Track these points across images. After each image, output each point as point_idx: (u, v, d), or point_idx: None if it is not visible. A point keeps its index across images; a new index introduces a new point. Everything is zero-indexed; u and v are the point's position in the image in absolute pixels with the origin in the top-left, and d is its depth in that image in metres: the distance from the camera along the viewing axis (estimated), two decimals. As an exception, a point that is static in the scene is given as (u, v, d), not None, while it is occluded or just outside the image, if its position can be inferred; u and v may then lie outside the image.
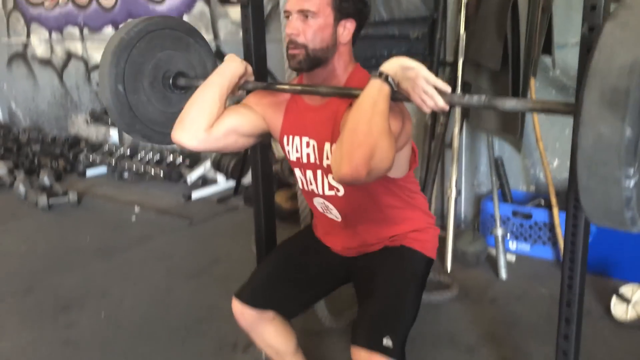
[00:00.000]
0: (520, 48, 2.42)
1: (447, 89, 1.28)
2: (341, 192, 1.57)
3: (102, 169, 4.98)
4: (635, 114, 0.91)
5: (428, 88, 1.26)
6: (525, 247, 2.97)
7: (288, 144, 1.63)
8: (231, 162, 4.19)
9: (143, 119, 1.81)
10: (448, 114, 2.99)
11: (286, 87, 1.61)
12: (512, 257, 2.94)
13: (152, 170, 4.44)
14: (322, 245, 1.80)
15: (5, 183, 4.61)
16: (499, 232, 2.83)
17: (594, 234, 2.65)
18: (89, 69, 5.40)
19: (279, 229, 2.15)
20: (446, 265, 2.82)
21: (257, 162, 2.13)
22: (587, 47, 1.32)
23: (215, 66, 1.81)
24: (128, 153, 4.84)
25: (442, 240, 2.98)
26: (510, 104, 1.23)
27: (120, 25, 1.85)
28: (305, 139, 1.58)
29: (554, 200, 2.80)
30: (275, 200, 3.27)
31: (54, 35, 5.60)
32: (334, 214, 1.64)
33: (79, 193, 4.24)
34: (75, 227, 3.74)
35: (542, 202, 2.99)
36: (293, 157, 1.63)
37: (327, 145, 1.52)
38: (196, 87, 1.61)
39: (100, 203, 4.21)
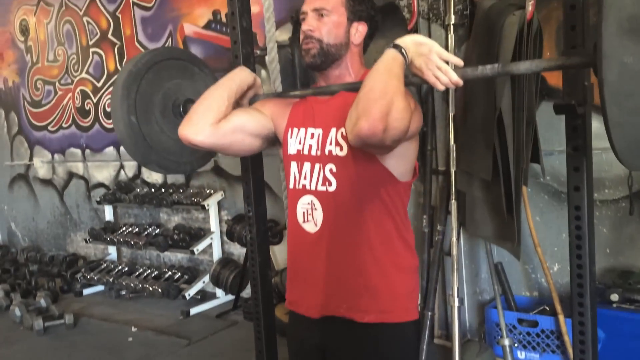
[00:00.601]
0: (510, 158, 2.49)
1: (460, 62, 1.28)
2: (333, 187, 1.50)
3: (99, 287, 4.92)
4: None
5: (441, 64, 1.27)
6: (534, 357, 2.87)
7: (291, 137, 1.60)
8: (230, 276, 4.16)
9: (158, 149, 1.81)
10: (444, 222, 3.02)
11: (297, 92, 1.65)
12: (521, 368, 2.84)
13: (150, 286, 4.39)
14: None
15: (2, 306, 4.53)
16: (506, 342, 2.76)
17: (602, 341, 2.58)
18: (89, 187, 5.50)
19: (280, 344, 2.09)
20: (454, 379, 2.72)
21: (256, 280, 2.12)
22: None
23: (205, 68, 1.89)
24: (126, 269, 4.81)
25: (449, 353, 2.90)
26: (524, 66, 1.24)
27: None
28: (310, 130, 1.56)
29: (558, 308, 2.75)
30: (275, 314, 3.22)
31: (56, 156, 5.75)
32: (316, 219, 1.52)
33: (76, 314, 4.15)
34: (70, 352, 3.63)
35: (547, 308, 2.94)
36: (293, 149, 1.59)
37: (332, 131, 1.50)
38: None
39: (96, 324, 4.12)
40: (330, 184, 1.50)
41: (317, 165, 1.53)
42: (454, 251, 2.92)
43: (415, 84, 1.36)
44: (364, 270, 1.51)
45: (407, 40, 1.33)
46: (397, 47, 1.31)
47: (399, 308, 1.53)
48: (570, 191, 1.50)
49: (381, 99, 1.22)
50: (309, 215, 1.54)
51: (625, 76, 0.92)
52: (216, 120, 1.53)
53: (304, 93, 1.62)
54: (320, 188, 1.52)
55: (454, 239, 2.92)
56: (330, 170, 1.49)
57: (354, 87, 1.42)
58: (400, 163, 1.49)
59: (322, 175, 1.51)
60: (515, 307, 3.01)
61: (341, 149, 1.48)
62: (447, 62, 1.32)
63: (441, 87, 1.31)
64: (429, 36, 3.04)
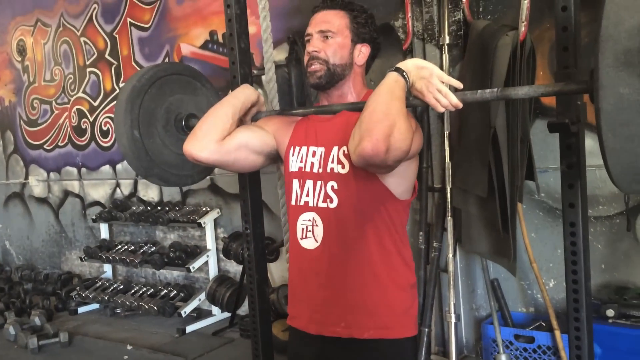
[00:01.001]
0: (505, 176, 2.52)
1: (460, 85, 1.32)
2: (334, 204, 1.53)
3: (94, 305, 4.90)
4: None
5: (442, 87, 1.31)
6: (531, 373, 2.88)
7: (293, 155, 1.63)
8: (226, 293, 4.15)
9: (160, 163, 1.84)
10: (441, 239, 3.04)
11: (299, 110, 1.68)
12: (519, 384, 2.85)
13: (146, 304, 4.37)
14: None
15: (-5, 325, 4.50)
16: (503, 357, 2.77)
17: (599, 357, 2.60)
18: (85, 205, 5.50)
19: (277, 362, 2.10)
20: (452, 396, 2.72)
21: (254, 297, 2.13)
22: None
23: (207, 84, 1.93)
24: (121, 287, 4.79)
25: (446, 370, 2.91)
26: (522, 91, 1.28)
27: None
28: (312, 149, 1.59)
29: (554, 323, 2.77)
30: (272, 332, 3.22)
31: (52, 175, 5.76)
32: (315, 235, 1.56)
33: (70, 333, 4.12)
34: (65, 371, 3.61)
35: (544, 324, 2.95)
36: (295, 167, 1.62)
37: (334, 149, 1.54)
38: None
39: (91, 342, 4.09)
40: (331, 201, 1.54)
41: (318, 183, 1.56)
42: (450, 267, 2.94)
43: (416, 106, 1.39)
44: (363, 287, 1.54)
45: (409, 64, 1.38)
46: (399, 70, 1.36)
47: (398, 324, 1.55)
48: (565, 208, 1.53)
49: (384, 121, 1.27)
50: (309, 232, 1.57)
51: (621, 106, 0.98)
52: (221, 137, 1.57)
53: (306, 111, 1.66)
54: (322, 205, 1.55)
55: (450, 255, 2.95)
56: (332, 187, 1.53)
57: (356, 107, 1.46)
58: (400, 182, 1.52)
59: (323, 192, 1.55)
60: (512, 323, 3.03)
61: (343, 166, 1.52)
62: (448, 86, 1.37)
63: (441, 109, 1.35)
64: (424, 56, 3.09)
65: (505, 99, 1.30)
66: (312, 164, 1.58)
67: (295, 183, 1.62)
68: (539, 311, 3.08)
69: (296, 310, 1.66)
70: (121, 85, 4.98)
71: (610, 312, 2.64)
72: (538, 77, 2.69)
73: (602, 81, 0.99)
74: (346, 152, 1.49)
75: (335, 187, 1.53)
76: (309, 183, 1.58)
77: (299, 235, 1.59)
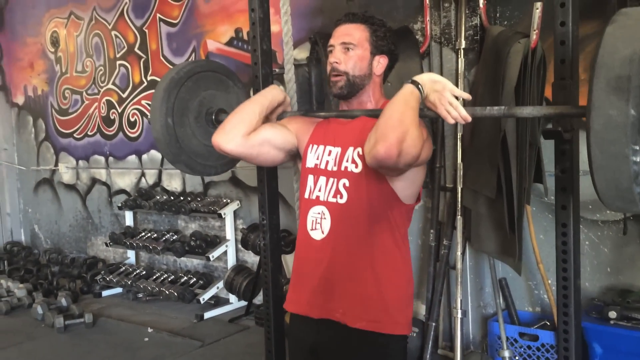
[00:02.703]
0: (513, 178, 2.61)
1: (469, 97, 1.46)
2: (344, 199, 1.65)
3: (117, 289, 5.10)
4: (637, 98, 1.08)
5: (453, 100, 1.44)
6: (533, 369, 2.98)
7: (311, 152, 1.77)
8: (243, 282, 4.30)
9: (188, 151, 1.98)
10: (451, 237, 3.14)
11: (321, 113, 1.83)
12: (521, 380, 2.94)
13: (167, 290, 4.55)
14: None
15: (24, 304, 4.72)
16: (506, 354, 2.86)
17: (599, 357, 2.68)
18: (111, 193, 5.70)
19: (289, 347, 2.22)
20: (455, 388, 2.83)
21: (268, 284, 2.26)
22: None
23: (238, 81, 2.07)
24: (144, 273, 4.98)
25: (450, 362, 3.01)
26: (526, 110, 1.44)
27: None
28: (329, 148, 1.72)
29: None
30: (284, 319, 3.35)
31: (81, 162, 5.97)
32: (323, 227, 1.67)
33: (95, 314, 4.32)
34: (89, 349, 3.79)
35: (548, 323, 3.04)
36: (311, 163, 1.75)
37: (350, 150, 1.67)
38: None
39: (114, 324, 4.28)
40: (341, 197, 1.66)
41: (331, 180, 1.69)
42: (459, 265, 3.04)
43: (429, 117, 1.53)
44: (361, 279, 1.64)
45: (424, 78, 1.51)
46: (415, 83, 1.49)
47: (390, 320, 1.66)
48: (557, 209, 1.63)
49: (398, 127, 1.40)
50: (317, 223, 1.69)
51: (610, 126, 1.09)
52: (247, 132, 1.71)
53: (328, 114, 1.81)
54: (332, 199, 1.67)
55: (459, 253, 3.05)
56: (344, 184, 1.65)
57: (374, 114, 1.60)
58: (407, 186, 1.65)
59: (334, 188, 1.67)
60: (518, 321, 3.11)
61: (356, 166, 1.65)
62: (458, 98, 1.50)
63: (452, 121, 1.48)
64: (440, 59, 3.19)
65: (511, 116, 1.44)
66: (327, 162, 1.71)
67: (310, 178, 1.74)
68: (545, 311, 3.16)
69: (296, 296, 1.78)
70: (149, 78, 5.16)
71: (612, 314, 2.70)
72: (549, 83, 2.75)
73: (594, 103, 1.11)
74: (361, 153, 1.61)
75: (347, 184, 1.65)
76: (322, 179, 1.71)
77: (308, 226, 1.71)
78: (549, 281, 2.99)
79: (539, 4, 2.45)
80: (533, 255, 2.99)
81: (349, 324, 1.64)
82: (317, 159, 1.74)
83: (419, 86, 1.48)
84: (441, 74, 3.21)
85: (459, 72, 3.09)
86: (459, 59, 3.10)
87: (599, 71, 1.12)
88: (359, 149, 1.63)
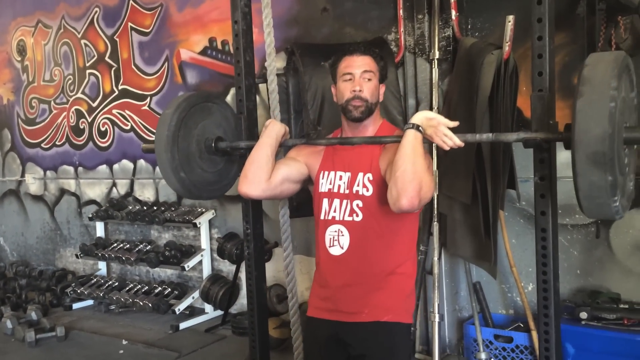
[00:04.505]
0: (488, 184, 2.69)
1: (456, 124, 1.69)
2: (359, 217, 1.86)
3: (88, 302, 5.01)
4: (612, 166, 1.31)
5: (447, 131, 1.66)
6: (509, 371, 3.06)
7: (323, 178, 1.97)
8: (220, 292, 4.29)
9: (204, 187, 2.13)
10: (427, 243, 3.21)
11: (323, 141, 1.99)
12: (497, 381, 3.02)
13: (141, 301, 4.50)
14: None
15: (-8, 319, 4.61)
16: (483, 356, 2.94)
17: (572, 357, 2.78)
18: (80, 204, 5.61)
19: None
20: (434, 391, 2.89)
21: (252, 292, 2.28)
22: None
23: (234, 115, 2.19)
24: (116, 284, 4.91)
25: (429, 366, 3.07)
26: (512, 137, 1.69)
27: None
28: (339, 173, 1.93)
29: (532, 324, 2.95)
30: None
31: (49, 173, 5.87)
32: (341, 243, 1.88)
33: (66, 327, 4.24)
34: (62, 363, 3.73)
35: (522, 325, 3.13)
36: (325, 188, 1.95)
37: (360, 175, 1.88)
38: (233, 146, 2.09)
39: (87, 337, 4.22)
40: (357, 215, 1.87)
41: (345, 201, 1.90)
42: (436, 270, 3.11)
43: (427, 143, 1.73)
44: (381, 283, 1.88)
45: (420, 117, 1.73)
46: (415, 126, 1.69)
47: (403, 311, 1.92)
48: (537, 215, 1.70)
49: (414, 180, 1.63)
50: (335, 240, 1.90)
51: (593, 187, 1.36)
52: (268, 176, 1.93)
53: (329, 142, 1.99)
54: (347, 218, 1.88)
55: (436, 258, 3.12)
56: (357, 205, 1.87)
57: (373, 141, 1.82)
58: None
59: (349, 208, 1.88)
60: (492, 324, 3.20)
61: (367, 190, 1.86)
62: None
63: (447, 148, 1.70)
64: (415, 69, 3.28)
65: (499, 142, 1.62)
66: (339, 186, 1.92)
67: (325, 201, 1.94)
68: (518, 313, 3.26)
69: (323, 304, 1.96)
70: (121, 87, 5.11)
71: (583, 315, 2.81)
72: (521, 92, 2.87)
73: (578, 171, 1.36)
74: (371, 178, 1.85)
75: (360, 205, 1.87)
76: (336, 201, 1.91)
77: (327, 243, 1.92)
78: (522, 284, 3.09)
79: (511, 17, 2.55)
80: (506, 259, 3.08)
81: (378, 319, 1.86)
82: (330, 183, 1.94)
83: (419, 128, 1.69)
84: (415, 83, 3.30)
85: (433, 81, 3.18)
86: (433, 69, 3.18)
87: (579, 147, 1.33)
88: (369, 175, 1.86)
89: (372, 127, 1.95)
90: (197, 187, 2.10)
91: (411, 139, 1.68)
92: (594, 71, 1.35)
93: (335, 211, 1.91)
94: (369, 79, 1.89)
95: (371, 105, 1.90)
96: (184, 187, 2.05)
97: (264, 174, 1.92)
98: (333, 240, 1.90)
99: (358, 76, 1.88)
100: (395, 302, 1.89)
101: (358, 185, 1.87)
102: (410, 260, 1.94)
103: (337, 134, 2.05)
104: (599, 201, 1.35)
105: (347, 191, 1.89)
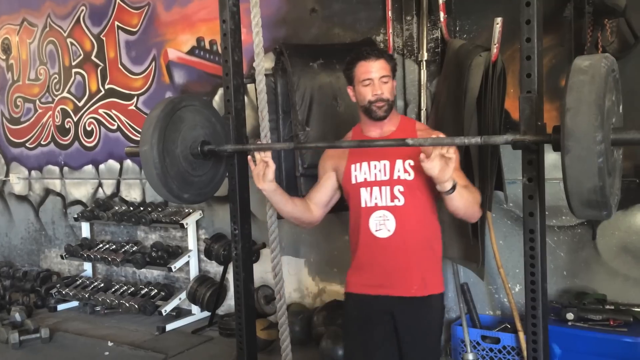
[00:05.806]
0: (476, 186, 2.69)
1: (441, 134, 2.00)
2: (402, 202, 2.04)
3: (73, 303, 4.96)
4: (603, 206, 1.43)
5: (448, 155, 1.82)
6: (496, 371, 3.07)
7: (355, 170, 2.11)
8: (207, 293, 4.27)
9: (200, 195, 2.16)
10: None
11: (344, 143, 2.14)
12: (484, 382, 3.03)
13: (127, 302, 4.46)
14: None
15: (-25, 320, 4.54)
16: (470, 357, 2.94)
17: (558, 357, 2.79)
18: (66, 204, 5.55)
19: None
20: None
21: (240, 293, 2.27)
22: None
23: (217, 116, 2.18)
24: (102, 285, 4.86)
25: (417, 367, 3.07)
26: (500, 139, 1.72)
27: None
28: (373, 163, 2.08)
29: (519, 325, 2.96)
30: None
31: (34, 173, 5.80)
32: (388, 227, 2.04)
33: (51, 329, 4.19)
34: (47, 365, 3.69)
35: (509, 326, 3.14)
36: (360, 178, 2.10)
37: (399, 162, 2.04)
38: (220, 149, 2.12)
39: (72, 338, 4.17)
40: (399, 200, 2.04)
41: (384, 188, 2.06)
42: (423, 271, 3.11)
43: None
44: (426, 259, 2.10)
45: (443, 176, 1.88)
46: (452, 189, 1.89)
47: (440, 284, 2.15)
48: (525, 216, 1.71)
49: (471, 208, 2.01)
50: (381, 224, 2.06)
51: (582, 188, 1.41)
52: (309, 212, 2.18)
53: (350, 145, 2.12)
54: (390, 203, 2.05)
55: (424, 259, 3.11)
56: (399, 190, 2.04)
57: (397, 144, 1.90)
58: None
59: (390, 194, 2.05)
60: (480, 325, 3.21)
61: (409, 174, 2.04)
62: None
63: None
64: (403, 70, 3.29)
65: (488, 144, 1.64)
66: (376, 174, 2.07)
67: (363, 190, 2.09)
68: (505, 314, 3.27)
69: (371, 281, 2.12)
70: (107, 87, 5.07)
71: (570, 316, 2.83)
72: (509, 94, 2.88)
73: (576, 212, 1.48)
74: (412, 164, 2.02)
75: (402, 189, 2.04)
76: (375, 189, 2.07)
77: (372, 228, 2.07)
78: (509, 285, 3.10)
79: (499, 20, 2.55)
80: (494, 260, 3.09)
81: (422, 294, 2.07)
82: (365, 173, 2.09)
83: (454, 186, 1.90)
84: (404, 85, 3.31)
85: (422, 82, 3.19)
86: (421, 71, 3.19)
87: (573, 196, 1.43)
88: (410, 161, 2.03)
89: (392, 120, 2.12)
90: (191, 195, 2.10)
91: (456, 195, 1.91)
92: (581, 75, 1.35)
93: (376, 198, 2.06)
94: (386, 82, 2.05)
95: (391, 102, 2.08)
96: (179, 199, 2.06)
97: (306, 215, 2.18)
98: (379, 225, 2.06)
99: (377, 81, 2.04)
100: (434, 275, 2.11)
101: (399, 171, 2.03)
102: (440, 237, 2.17)
103: (356, 130, 2.20)
104: (589, 202, 1.39)
105: (386, 177, 2.05)
